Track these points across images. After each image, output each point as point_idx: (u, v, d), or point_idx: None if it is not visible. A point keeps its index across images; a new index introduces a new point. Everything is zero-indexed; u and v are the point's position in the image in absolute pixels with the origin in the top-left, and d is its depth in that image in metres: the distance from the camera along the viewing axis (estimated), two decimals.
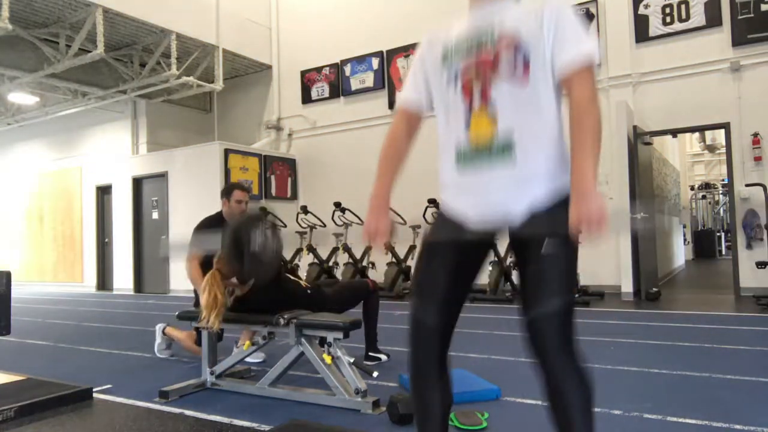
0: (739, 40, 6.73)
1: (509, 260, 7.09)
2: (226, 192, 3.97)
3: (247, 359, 3.49)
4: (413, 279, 1.55)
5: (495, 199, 1.39)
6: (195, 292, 3.56)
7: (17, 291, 3.38)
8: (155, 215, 10.08)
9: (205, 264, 3.18)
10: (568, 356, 1.33)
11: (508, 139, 1.37)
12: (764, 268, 5.86)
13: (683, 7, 7.06)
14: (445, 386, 1.50)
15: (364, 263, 8.07)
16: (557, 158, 1.39)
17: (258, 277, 1.73)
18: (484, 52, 1.40)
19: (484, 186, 1.40)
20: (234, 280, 3.02)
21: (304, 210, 8.54)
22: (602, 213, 1.23)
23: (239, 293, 3.07)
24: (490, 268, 6.85)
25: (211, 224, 3.79)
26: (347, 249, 8.07)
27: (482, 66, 1.40)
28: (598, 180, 1.29)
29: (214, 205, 9.22)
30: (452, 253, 1.48)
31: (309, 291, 3.23)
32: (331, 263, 8.30)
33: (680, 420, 2.35)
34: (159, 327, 4.07)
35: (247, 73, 10.91)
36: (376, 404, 2.64)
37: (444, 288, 1.47)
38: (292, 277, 3.28)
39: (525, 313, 1.37)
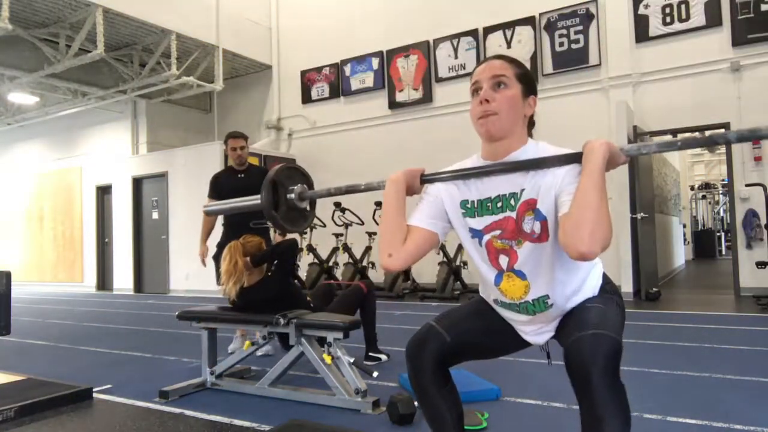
0: (739, 40, 6.72)
1: None
2: (225, 141, 4.34)
3: (258, 352, 3.54)
4: (450, 311, 1.62)
5: (533, 330, 1.52)
6: (216, 263, 3.71)
7: (17, 291, 3.38)
8: (155, 215, 10.08)
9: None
10: (612, 381, 1.21)
11: (540, 296, 1.43)
12: (764, 268, 5.86)
13: (683, 7, 7.06)
14: (450, 393, 1.53)
15: (364, 263, 8.07)
16: (587, 285, 1.48)
17: (291, 229, 1.75)
18: (508, 212, 1.41)
19: (521, 324, 1.53)
20: (248, 260, 3.08)
21: None
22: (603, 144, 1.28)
23: (245, 283, 3.07)
24: None
25: (222, 173, 4.38)
26: (347, 249, 8.07)
27: (504, 227, 1.42)
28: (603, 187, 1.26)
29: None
30: (493, 321, 1.57)
31: (311, 304, 3.25)
32: (331, 263, 8.30)
33: (680, 420, 2.35)
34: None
35: (247, 73, 10.91)
36: (376, 404, 2.64)
37: (470, 330, 1.54)
38: (298, 288, 3.32)
39: (567, 340, 1.30)
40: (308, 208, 1.74)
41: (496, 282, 1.47)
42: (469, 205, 1.47)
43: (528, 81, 1.45)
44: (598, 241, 1.18)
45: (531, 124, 1.49)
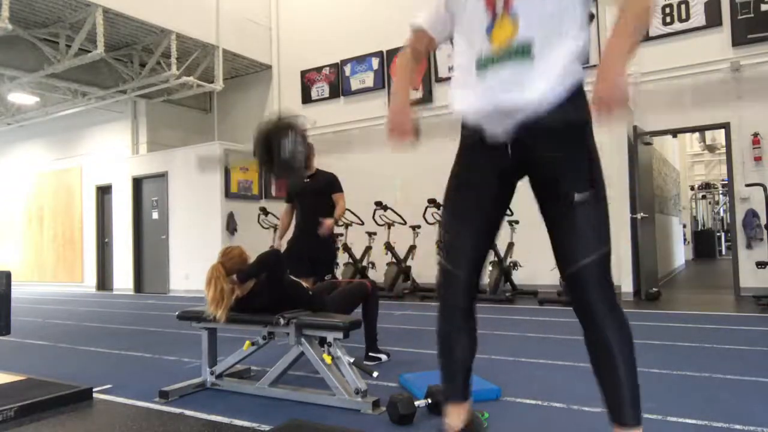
0: (739, 40, 6.72)
1: (509, 260, 7.12)
2: None
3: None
4: (442, 229, 1.59)
5: (511, 94, 1.40)
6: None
7: (17, 291, 3.38)
8: (155, 215, 10.08)
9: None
10: (608, 304, 1.41)
11: (527, 39, 1.39)
12: (764, 268, 5.86)
13: (683, 7, 7.06)
14: (471, 331, 1.57)
15: (364, 263, 8.07)
16: (575, 56, 1.42)
17: (287, 180, 1.84)
18: None
19: (501, 83, 1.42)
20: (234, 277, 3.02)
21: None
22: (619, 93, 1.26)
23: (239, 293, 3.06)
24: (490, 268, 6.89)
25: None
26: (347, 249, 8.07)
27: None
28: (628, 62, 1.30)
29: (214, 204, 9.25)
30: (476, 201, 1.51)
31: (310, 293, 3.23)
32: None
33: (680, 420, 2.35)
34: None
35: (247, 73, 10.91)
36: (376, 404, 2.64)
37: (471, 242, 1.51)
38: (294, 280, 3.29)
39: (565, 268, 1.42)
40: (302, 151, 1.78)
41: (488, 29, 1.43)
42: None
43: None
44: None
45: None
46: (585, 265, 1.37)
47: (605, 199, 1.42)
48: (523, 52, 1.38)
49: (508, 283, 7.21)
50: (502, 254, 6.98)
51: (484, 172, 1.49)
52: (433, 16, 1.65)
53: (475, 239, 1.50)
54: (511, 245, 7.17)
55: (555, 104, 1.38)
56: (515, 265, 7.12)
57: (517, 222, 6.87)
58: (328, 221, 4.16)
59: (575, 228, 1.37)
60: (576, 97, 1.42)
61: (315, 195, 4.32)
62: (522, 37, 1.38)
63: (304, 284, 3.29)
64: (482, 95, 1.45)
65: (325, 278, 3.82)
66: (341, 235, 8.12)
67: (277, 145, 1.70)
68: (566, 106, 1.39)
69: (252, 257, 3.12)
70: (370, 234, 8.05)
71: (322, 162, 9.70)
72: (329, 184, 4.42)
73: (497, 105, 1.42)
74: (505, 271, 7.01)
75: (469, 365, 1.57)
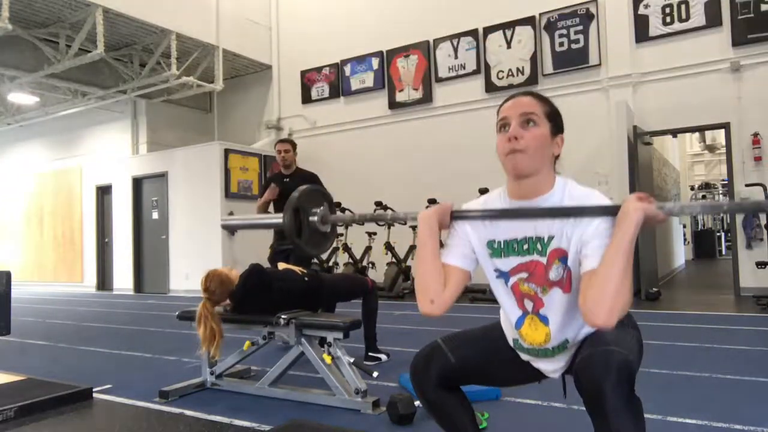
0: (739, 40, 6.72)
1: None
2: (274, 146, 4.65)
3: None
4: (459, 332, 1.59)
5: (554, 372, 1.50)
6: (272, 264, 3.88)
7: (17, 291, 3.38)
8: (155, 215, 10.08)
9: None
10: (626, 394, 1.17)
11: (561, 341, 1.42)
12: (764, 268, 5.86)
13: (683, 7, 7.06)
14: (457, 398, 1.54)
15: (364, 263, 8.07)
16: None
17: (314, 252, 1.77)
18: (535, 256, 1.39)
19: (541, 366, 1.50)
20: (228, 301, 3.02)
21: None
22: (641, 210, 1.25)
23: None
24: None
25: (275, 176, 4.62)
26: (347, 249, 8.07)
27: (532, 271, 1.41)
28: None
29: (214, 204, 9.25)
30: (505, 351, 1.54)
31: (306, 279, 3.22)
32: (331, 263, 8.30)
33: (680, 420, 2.35)
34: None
35: (247, 73, 10.91)
36: (376, 404, 2.64)
37: (477, 356, 1.53)
38: (282, 268, 3.25)
39: (577, 359, 1.30)
40: (329, 230, 1.74)
41: (518, 325, 1.46)
42: (495, 246, 1.45)
43: (556, 119, 1.42)
44: (616, 315, 1.20)
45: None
46: (598, 351, 1.23)
47: (637, 338, 1.42)
48: (559, 349, 1.43)
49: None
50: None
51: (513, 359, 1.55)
52: (460, 256, 1.49)
53: (483, 364, 1.54)
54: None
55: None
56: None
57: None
58: None
59: (599, 337, 1.32)
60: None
61: None
62: (556, 341, 1.42)
63: (297, 271, 3.29)
64: (525, 355, 1.52)
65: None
66: (341, 234, 8.12)
67: (306, 212, 1.67)
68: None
69: (252, 257, 3.12)
70: (370, 234, 8.05)
71: (323, 162, 9.65)
72: (309, 182, 4.34)
73: (540, 368, 1.51)
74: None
75: (473, 417, 1.54)
